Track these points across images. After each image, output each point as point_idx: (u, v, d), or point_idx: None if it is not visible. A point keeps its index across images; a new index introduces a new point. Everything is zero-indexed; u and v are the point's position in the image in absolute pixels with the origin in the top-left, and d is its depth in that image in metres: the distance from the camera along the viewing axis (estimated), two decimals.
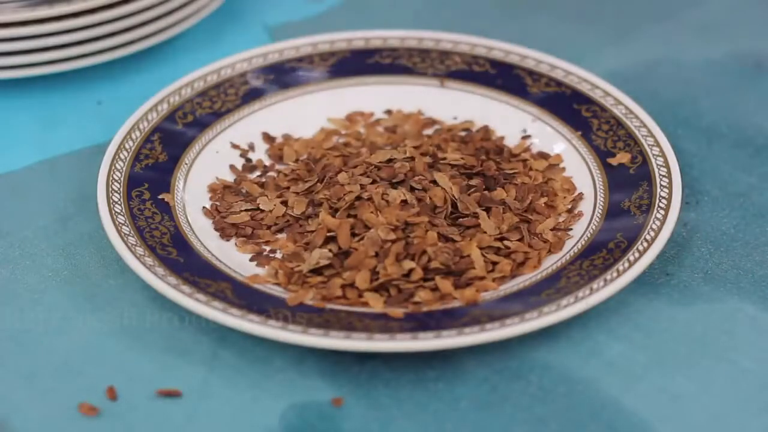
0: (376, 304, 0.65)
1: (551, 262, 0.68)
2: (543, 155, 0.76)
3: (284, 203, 0.72)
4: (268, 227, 0.71)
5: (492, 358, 0.65)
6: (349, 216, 0.69)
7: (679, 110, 0.82)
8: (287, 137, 0.78)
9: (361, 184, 0.70)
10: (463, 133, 0.78)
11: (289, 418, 0.62)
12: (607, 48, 0.88)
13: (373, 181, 0.71)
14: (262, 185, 0.74)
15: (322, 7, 0.93)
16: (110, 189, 0.70)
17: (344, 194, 0.70)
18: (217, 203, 0.73)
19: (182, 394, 0.63)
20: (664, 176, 0.71)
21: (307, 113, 0.79)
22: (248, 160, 0.77)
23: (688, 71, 0.86)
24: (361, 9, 0.93)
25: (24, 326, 0.67)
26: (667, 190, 0.70)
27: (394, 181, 0.71)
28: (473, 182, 0.71)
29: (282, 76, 0.81)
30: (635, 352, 0.65)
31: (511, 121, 0.78)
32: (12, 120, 0.81)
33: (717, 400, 0.63)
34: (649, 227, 0.68)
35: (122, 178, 0.72)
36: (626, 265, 0.66)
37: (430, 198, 0.70)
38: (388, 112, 0.80)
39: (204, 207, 0.72)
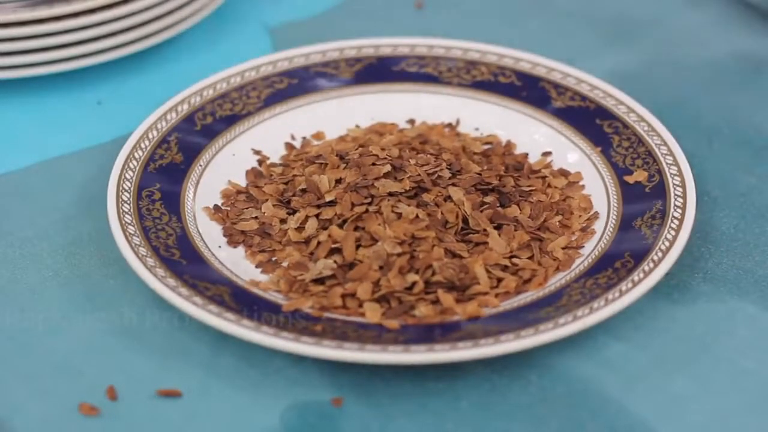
0: (372, 315, 0.65)
1: (557, 279, 0.67)
2: (563, 172, 0.74)
3: (292, 212, 0.71)
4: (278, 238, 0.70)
5: (492, 358, 0.64)
6: (356, 228, 0.68)
7: (679, 110, 0.82)
8: (307, 143, 0.77)
9: (372, 195, 0.69)
10: (485, 147, 0.77)
11: (289, 418, 0.62)
12: (607, 48, 0.88)
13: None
14: (279, 193, 0.72)
15: (322, 8, 0.93)
16: (121, 188, 0.70)
17: (357, 203, 0.69)
18: (228, 209, 0.72)
19: (182, 394, 0.63)
20: (678, 196, 0.70)
21: (330, 119, 0.79)
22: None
23: (688, 71, 0.86)
24: (360, 10, 0.93)
25: (24, 326, 0.66)
26: (680, 211, 0.69)
27: (405, 194, 0.69)
28: (488, 198, 0.70)
29: (306, 81, 0.80)
30: (635, 352, 0.65)
31: (533, 134, 0.77)
32: (12, 120, 0.81)
33: (717, 400, 0.63)
34: (657, 248, 0.67)
35: (134, 177, 0.71)
36: (629, 285, 0.65)
37: (442, 213, 0.69)
38: (411, 121, 0.79)
39: (215, 212, 0.72)
